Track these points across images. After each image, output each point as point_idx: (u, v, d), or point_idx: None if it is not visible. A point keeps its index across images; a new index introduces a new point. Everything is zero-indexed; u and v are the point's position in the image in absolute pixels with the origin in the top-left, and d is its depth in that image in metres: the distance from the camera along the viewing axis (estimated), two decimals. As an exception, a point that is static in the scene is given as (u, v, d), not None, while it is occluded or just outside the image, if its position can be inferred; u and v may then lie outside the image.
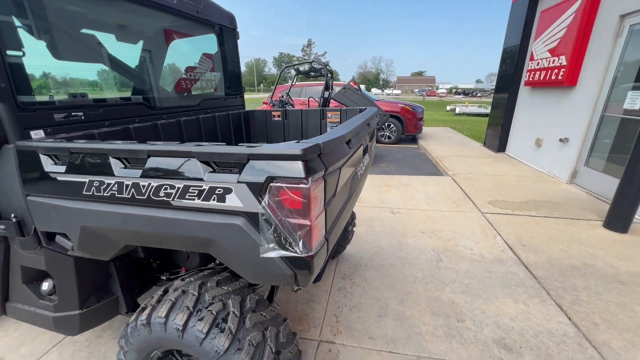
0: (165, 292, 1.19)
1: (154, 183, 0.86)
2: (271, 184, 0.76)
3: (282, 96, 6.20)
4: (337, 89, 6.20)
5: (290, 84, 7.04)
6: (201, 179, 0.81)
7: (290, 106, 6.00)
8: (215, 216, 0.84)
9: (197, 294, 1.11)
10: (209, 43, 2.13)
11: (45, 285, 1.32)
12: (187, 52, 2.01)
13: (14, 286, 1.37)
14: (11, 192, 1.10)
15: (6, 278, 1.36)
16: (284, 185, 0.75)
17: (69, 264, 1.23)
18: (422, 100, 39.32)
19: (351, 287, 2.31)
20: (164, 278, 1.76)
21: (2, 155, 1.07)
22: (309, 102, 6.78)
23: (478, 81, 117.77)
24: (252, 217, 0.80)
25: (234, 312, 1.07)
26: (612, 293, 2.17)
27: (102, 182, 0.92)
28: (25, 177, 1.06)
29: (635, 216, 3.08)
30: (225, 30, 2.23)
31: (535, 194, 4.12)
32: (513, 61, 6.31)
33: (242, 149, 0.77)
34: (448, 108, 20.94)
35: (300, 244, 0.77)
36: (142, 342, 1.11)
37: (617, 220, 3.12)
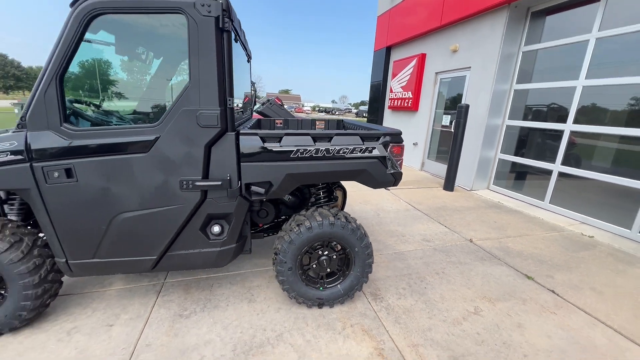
0: (304, 215, 2.15)
1: (336, 147, 1.91)
2: (390, 143, 2.00)
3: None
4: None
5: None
6: (362, 144, 1.95)
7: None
8: (366, 159, 1.98)
9: (327, 210, 2.16)
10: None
11: (216, 228, 1.96)
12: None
13: (185, 235, 1.91)
14: (227, 161, 1.79)
15: (180, 231, 1.89)
16: (395, 144, 2.01)
17: (245, 207, 1.97)
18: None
19: (340, 234, 3.56)
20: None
21: (224, 139, 1.78)
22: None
23: (333, 101, 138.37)
24: (382, 158, 2.00)
25: (349, 216, 2.19)
26: (455, 215, 4.34)
27: (305, 149, 1.87)
28: (242, 151, 1.82)
29: (456, 183, 5.70)
30: (249, 59, 3.09)
31: (407, 177, 6.52)
32: (379, 91, 9.11)
33: (379, 131, 1.98)
34: (321, 123, 24.67)
35: (399, 166, 2.06)
36: (303, 240, 2.04)
37: (448, 185, 5.67)
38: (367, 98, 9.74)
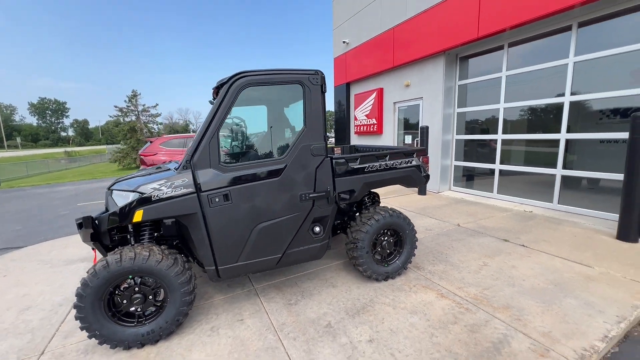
0: (370, 212, 3.00)
1: (391, 162, 2.85)
2: (421, 156, 3.02)
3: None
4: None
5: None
6: (405, 157, 2.91)
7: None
8: (409, 168, 2.93)
9: (383, 207, 3.06)
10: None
11: (317, 228, 2.67)
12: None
13: (299, 236, 2.57)
14: (326, 178, 2.57)
15: (297, 232, 2.56)
16: (423, 155, 3.03)
17: (335, 210, 2.73)
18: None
19: (364, 235, 4.42)
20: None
21: (324, 163, 2.57)
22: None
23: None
24: (418, 166, 2.99)
25: (397, 210, 3.12)
26: (437, 211, 5.56)
27: (373, 165, 2.76)
28: (335, 170, 2.62)
29: (427, 189, 7.06)
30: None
31: (387, 189, 7.74)
32: (343, 120, 10.49)
33: (412, 149, 2.98)
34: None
35: (428, 170, 3.07)
36: (375, 229, 2.87)
37: (421, 191, 7.00)
38: (331, 126, 11.07)
